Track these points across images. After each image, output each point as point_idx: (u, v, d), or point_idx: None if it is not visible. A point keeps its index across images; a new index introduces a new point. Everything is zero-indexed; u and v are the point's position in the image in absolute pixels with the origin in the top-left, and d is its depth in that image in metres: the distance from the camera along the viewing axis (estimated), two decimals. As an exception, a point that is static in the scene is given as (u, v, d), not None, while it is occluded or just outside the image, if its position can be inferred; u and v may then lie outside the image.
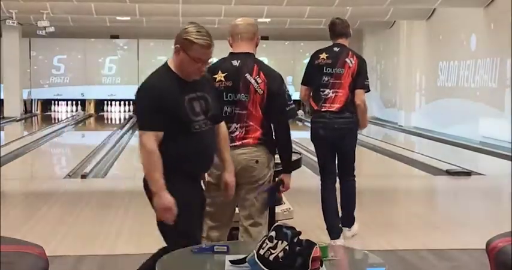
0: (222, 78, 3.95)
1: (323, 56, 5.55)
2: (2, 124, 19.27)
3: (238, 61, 3.97)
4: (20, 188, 8.93)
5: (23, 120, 21.24)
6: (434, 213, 7.32)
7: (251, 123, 3.91)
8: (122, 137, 14.88)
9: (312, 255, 2.86)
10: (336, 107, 5.41)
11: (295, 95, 25.40)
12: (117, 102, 23.91)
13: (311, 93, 5.62)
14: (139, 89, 3.40)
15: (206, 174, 3.91)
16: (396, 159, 11.45)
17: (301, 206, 6.38)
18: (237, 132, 3.93)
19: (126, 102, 23.84)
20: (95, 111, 23.71)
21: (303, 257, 2.85)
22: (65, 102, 23.95)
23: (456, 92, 15.44)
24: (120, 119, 22.07)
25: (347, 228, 5.63)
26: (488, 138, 13.28)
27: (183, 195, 3.36)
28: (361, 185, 5.66)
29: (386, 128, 18.36)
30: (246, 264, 2.92)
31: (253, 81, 3.92)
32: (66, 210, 7.01)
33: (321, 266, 2.92)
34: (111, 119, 22.71)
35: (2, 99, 21.42)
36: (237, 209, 4.15)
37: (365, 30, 22.85)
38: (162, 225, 3.44)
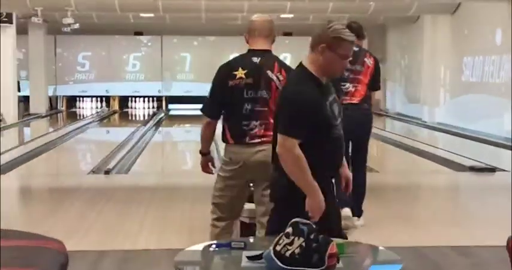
0: (243, 75, 3.95)
1: None
2: (28, 120, 19.49)
3: (259, 58, 3.98)
4: (44, 183, 9.02)
5: (49, 117, 21.44)
6: (456, 210, 7.29)
7: (271, 120, 3.86)
8: (145, 133, 15.01)
9: (328, 252, 2.88)
10: (356, 99, 5.76)
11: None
12: (141, 99, 24.05)
13: None
14: (288, 95, 3.30)
15: (213, 168, 4.10)
16: (419, 155, 11.38)
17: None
18: (256, 130, 3.96)
19: (150, 99, 23.97)
20: (119, 108, 23.86)
21: (319, 254, 2.86)
22: (90, 98, 24.14)
23: (481, 87, 15.31)
24: (144, 116, 22.21)
25: (356, 218, 5.82)
26: (513, 134, 13.15)
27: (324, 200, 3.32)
28: (384, 181, 5.67)
29: (410, 124, 18.25)
30: (263, 260, 2.93)
31: (275, 78, 3.94)
32: (89, 205, 7.08)
33: (338, 262, 2.93)
34: (135, 115, 22.84)
35: (28, 96, 21.63)
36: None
37: (389, 25, 22.73)
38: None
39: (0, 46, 16.89)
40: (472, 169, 9.38)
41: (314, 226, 2.98)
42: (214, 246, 3.21)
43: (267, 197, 3.93)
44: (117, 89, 23.81)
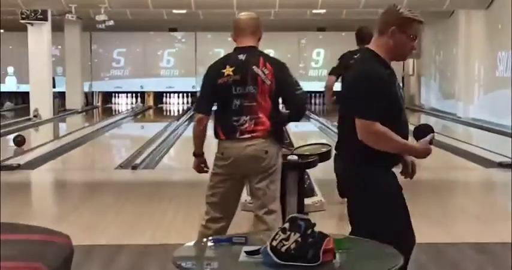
0: (231, 73, 4.08)
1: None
2: (63, 116, 19.77)
3: (244, 55, 4.11)
4: (71, 178, 9.17)
5: (84, 112, 21.72)
6: (479, 206, 7.20)
7: (260, 115, 4.02)
8: (177, 128, 15.09)
9: (323, 247, 2.88)
10: None
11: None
12: (176, 95, 24.22)
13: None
14: (360, 76, 3.27)
15: (207, 168, 4.21)
16: (452, 151, 11.24)
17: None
18: (246, 125, 4.05)
19: (184, 94, 24.12)
20: (154, 103, 24.06)
21: (314, 249, 2.86)
22: (125, 94, 24.39)
23: (515, 82, 15.08)
24: (178, 111, 22.34)
25: None
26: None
27: (390, 188, 3.33)
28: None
29: (444, 120, 18.06)
30: (260, 255, 2.96)
31: (260, 72, 4.06)
32: (112, 200, 7.16)
33: (334, 258, 2.93)
34: (169, 111, 23.01)
35: (64, 92, 21.93)
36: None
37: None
38: (372, 224, 3.36)
39: (35, 43, 17.17)
40: (501, 165, 9.26)
41: (312, 222, 3.00)
42: (214, 241, 3.24)
43: (262, 190, 4.03)
44: (152, 85, 24.01)
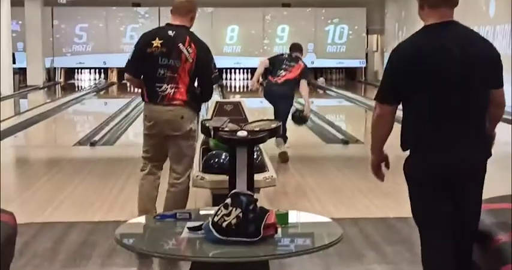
0: (159, 45, 4.58)
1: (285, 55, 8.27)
2: (24, 92, 19.51)
3: (173, 32, 4.62)
4: (31, 155, 9.07)
5: (46, 88, 21.45)
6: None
7: (180, 86, 4.57)
8: (140, 104, 14.89)
9: (265, 222, 2.90)
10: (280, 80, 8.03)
11: (317, 63, 25.16)
12: (139, 70, 23.99)
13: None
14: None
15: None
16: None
17: (301, 174, 6.36)
18: (166, 92, 4.58)
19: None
20: (117, 80, 23.83)
21: (255, 224, 2.88)
22: (88, 70, 24.12)
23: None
24: (142, 87, 22.14)
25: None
26: None
27: None
28: (367, 153, 5.72)
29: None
30: (202, 231, 2.97)
31: (185, 50, 4.56)
32: (68, 177, 7.11)
33: (276, 232, 2.96)
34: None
35: (25, 68, 21.63)
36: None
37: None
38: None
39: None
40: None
41: (254, 196, 3.01)
42: (159, 217, 3.24)
43: (176, 151, 4.66)
44: (115, 61, 23.68)
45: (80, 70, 24.09)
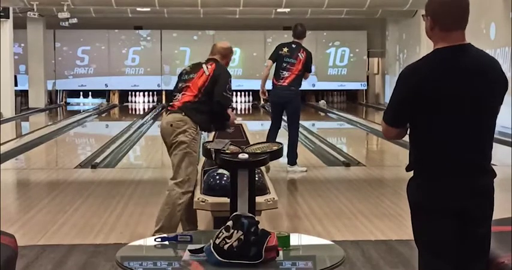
0: (187, 68, 5.34)
1: (285, 49, 8.37)
2: (26, 114, 19.54)
3: (206, 64, 5.28)
4: (32, 177, 9.06)
5: (48, 111, 21.49)
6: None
7: (186, 93, 5.10)
8: (141, 126, 14.99)
9: (266, 245, 2.89)
10: (285, 83, 8.46)
11: (319, 85, 25.32)
12: (141, 93, 24.06)
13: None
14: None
15: None
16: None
17: (303, 196, 6.36)
18: (176, 99, 5.17)
19: (150, 93, 23.98)
20: (118, 102, 23.88)
21: (257, 247, 2.88)
22: (90, 93, 24.19)
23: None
24: (143, 110, 22.21)
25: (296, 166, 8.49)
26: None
27: None
28: (370, 175, 5.68)
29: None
30: (204, 253, 2.96)
31: (204, 67, 5.16)
32: (69, 200, 7.10)
33: (277, 255, 2.95)
34: (134, 109, 22.85)
35: (27, 90, 21.69)
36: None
37: (388, 19, 22.71)
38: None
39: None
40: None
41: (255, 219, 3.01)
42: (160, 239, 3.23)
43: (172, 161, 5.04)
44: (117, 83, 23.83)
45: (81, 92, 24.21)
